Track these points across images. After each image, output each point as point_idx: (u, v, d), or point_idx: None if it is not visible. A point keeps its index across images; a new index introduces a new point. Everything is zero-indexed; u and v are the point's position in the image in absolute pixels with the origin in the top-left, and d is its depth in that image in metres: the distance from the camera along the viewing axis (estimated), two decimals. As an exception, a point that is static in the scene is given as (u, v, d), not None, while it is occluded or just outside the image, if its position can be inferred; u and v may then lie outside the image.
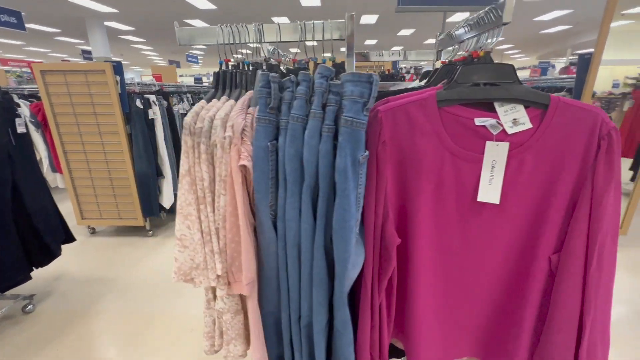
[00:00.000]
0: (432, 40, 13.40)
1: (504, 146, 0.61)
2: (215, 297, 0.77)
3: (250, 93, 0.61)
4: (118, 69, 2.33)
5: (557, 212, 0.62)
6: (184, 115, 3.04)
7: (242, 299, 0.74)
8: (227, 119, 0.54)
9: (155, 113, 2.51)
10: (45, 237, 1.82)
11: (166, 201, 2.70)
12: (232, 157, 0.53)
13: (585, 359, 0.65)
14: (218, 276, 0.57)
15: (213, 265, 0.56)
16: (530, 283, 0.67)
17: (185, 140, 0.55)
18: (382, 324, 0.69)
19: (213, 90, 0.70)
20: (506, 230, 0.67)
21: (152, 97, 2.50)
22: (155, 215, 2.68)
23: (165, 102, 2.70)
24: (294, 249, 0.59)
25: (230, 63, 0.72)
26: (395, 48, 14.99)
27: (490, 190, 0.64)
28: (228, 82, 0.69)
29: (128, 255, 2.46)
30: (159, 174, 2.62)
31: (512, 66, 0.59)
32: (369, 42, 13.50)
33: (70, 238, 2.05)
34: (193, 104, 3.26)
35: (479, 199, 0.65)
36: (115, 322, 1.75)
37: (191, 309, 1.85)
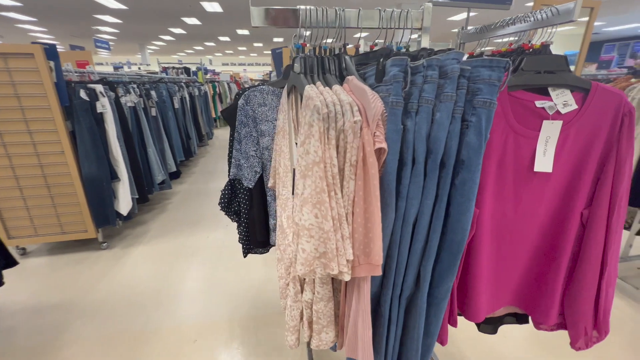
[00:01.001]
0: (365, 33, 14.04)
1: (558, 124, 0.74)
2: (302, 289, 0.76)
3: (352, 78, 0.61)
4: (51, 52, 1.93)
5: (589, 174, 0.78)
6: (134, 108, 2.68)
7: (334, 286, 0.74)
8: (353, 103, 0.54)
9: (104, 106, 2.16)
10: (-20, 264, 1.46)
11: (123, 207, 2.37)
12: (366, 141, 0.53)
13: (604, 297, 0.84)
14: (347, 261, 0.57)
15: (343, 252, 0.56)
16: (566, 235, 0.83)
17: (319, 127, 0.53)
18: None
19: (298, 74, 0.66)
20: (550, 193, 0.81)
21: (99, 88, 2.14)
22: (112, 224, 2.33)
23: (112, 94, 2.33)
24: (410, 226, 0.62)
25: (306, 47, 0.70)
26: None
27: (544, 162, 0.76)
28: (316, 68, 0.67)
29: (82, 274, 2.11)
30: (113, 176, 2.28)
31: (565, 57, 0.71)
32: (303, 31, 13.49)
33: (10, 262, 1.67)
34: (142, 96, 2.88)
35: (535, 169, 0.77)
36: (100, 348, 1.51)
37: (187, 319, 1.70)
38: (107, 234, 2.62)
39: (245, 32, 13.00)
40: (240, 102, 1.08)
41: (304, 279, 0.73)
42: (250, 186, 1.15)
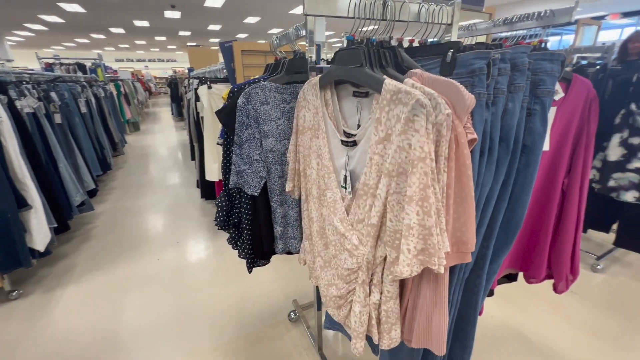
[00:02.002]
0: (276, 30, 13.92)
1: (553, 109, 0.88)
2: (370, 291, 0.72)
3: (421, 72, 0.60)
4: None
5: (568, 150, 0.96)
6: (35, 114, 2.11)
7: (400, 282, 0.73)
8: (441, 96, 0.53)
9: (-3, 114, 1.64)
10: None
11: (39, 241, 1.86)
12: (459, 133, 0.53)
13: (578, 245, 1.05)
14: (445, 253, 0.57)
15: (442, 245, 0.56)
16: (553, 201, 1.00)
17: (425, 121, 0.51)
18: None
19: (356, 67, 0.60)
20: (542, 167, 0.96)
21: (-13, 90, 1.60)
22: (25, 265, 1.81)
23: (3, 97, 1.78)
24: (479, 210, 0.66)
25: (356, 39, 0.65)
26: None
27: (545, 142, 0.90)
28: (374, 61, 0.63)
29: (-9, 338, 1.59)
30: (22, 204, 1.77)
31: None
32: (212, 27, 12.63)
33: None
34: (41, 99, 2.27)
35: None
36: None
37: (174, 356, 1.46)
38: (15, 279, 2.02)
39: (145, 23, 11.49)
40: (241, 100, 0.96)
41: (372, 281, 0.70)
42: (256, 194, 1.04)
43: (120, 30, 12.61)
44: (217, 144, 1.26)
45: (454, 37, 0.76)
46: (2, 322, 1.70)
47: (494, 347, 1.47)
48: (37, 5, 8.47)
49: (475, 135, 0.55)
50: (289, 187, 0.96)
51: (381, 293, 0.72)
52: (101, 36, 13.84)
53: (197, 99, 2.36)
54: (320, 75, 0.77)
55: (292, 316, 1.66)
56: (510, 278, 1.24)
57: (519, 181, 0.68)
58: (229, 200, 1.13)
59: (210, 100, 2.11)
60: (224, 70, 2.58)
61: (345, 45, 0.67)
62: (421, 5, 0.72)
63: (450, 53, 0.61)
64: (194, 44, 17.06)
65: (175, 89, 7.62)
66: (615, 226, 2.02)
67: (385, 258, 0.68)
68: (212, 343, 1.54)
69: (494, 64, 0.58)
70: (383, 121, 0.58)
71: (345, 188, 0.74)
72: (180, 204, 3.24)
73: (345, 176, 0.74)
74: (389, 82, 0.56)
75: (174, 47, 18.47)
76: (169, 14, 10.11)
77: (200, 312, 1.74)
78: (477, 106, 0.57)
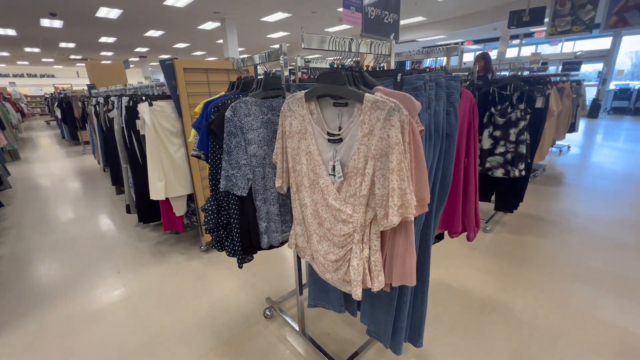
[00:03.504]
0: (182, 44, 13.29)
1: (454, 111, 1.30)
2: (362, 247, 0.96)
3: (382, 88, 0.89)
4: None
5: (464, 137, 1.40)
6: None
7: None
8: (399, 103, 0.83)
9: None
10: None
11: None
12: (414, 126, 0.83)
13: (478, 205, 1.51)
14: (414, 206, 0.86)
15: (412, 200, 0.84)
16: (460, 175, 1.43)
17: (398, 120, 0.78)
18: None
19: (340, 85, 0.85)
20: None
21: None
22: None
23: None
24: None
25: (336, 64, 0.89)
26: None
27: (451, 134, 1.31)
28: (350, 80, 0.88)
29: None
30: None
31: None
32: (105, 39, 11.35)
33: None
34: None
35: (448, 139, 1.31)
36: None
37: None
38: None
39: (10, 32, 9.60)
40: (228, 113, 1.12)
41: (362, 239, 0.95)
42: (244, 194, 1.19)
43: (-27, 39, 10.20)
44: (192, 155, 1.34)
45: (392, 63, 1.10)
46: None
47: (430, 296, 1.89)
48: None
49: (422, 127, 0.86)
50: (278, 183, 1.14)
51: (370, 248, 0.97)
52: (-59, 45, 10.91)
53: (132, 117, 2.26)
54: (305, 91, 1.00)
55: (268, 313, 1.78)
56: (439, 237, 1.66)
57: (446, 157, 1.03)
58: (217, 204, 1.23)
59: (152, 117, 2.07)
60: (157, 87, 2.53)
61: (325, 69, 0.92)
62: (371, 42, 1.02)
63: (399, 75, 0.92)
64: (79, 57, 14.86)
65: (68, 108, 6.58)
66: (493, 197, 2.76)
67: (371, 220, 0.94)
68: (194, 356, 1.54)
69: (427, 82, 0.91)
70: (367, 121, 0.85)
71: (334, 175, 0.99)
72: (110, 234, 2.92)
73: (334, 165, 0.98)
74: (368, 95, 0.84)
75: (51, 60, 15.70)
76: (47, 22, 8.72)
77: (170, 332, 1.70)
78: (422, 110, 0.89)
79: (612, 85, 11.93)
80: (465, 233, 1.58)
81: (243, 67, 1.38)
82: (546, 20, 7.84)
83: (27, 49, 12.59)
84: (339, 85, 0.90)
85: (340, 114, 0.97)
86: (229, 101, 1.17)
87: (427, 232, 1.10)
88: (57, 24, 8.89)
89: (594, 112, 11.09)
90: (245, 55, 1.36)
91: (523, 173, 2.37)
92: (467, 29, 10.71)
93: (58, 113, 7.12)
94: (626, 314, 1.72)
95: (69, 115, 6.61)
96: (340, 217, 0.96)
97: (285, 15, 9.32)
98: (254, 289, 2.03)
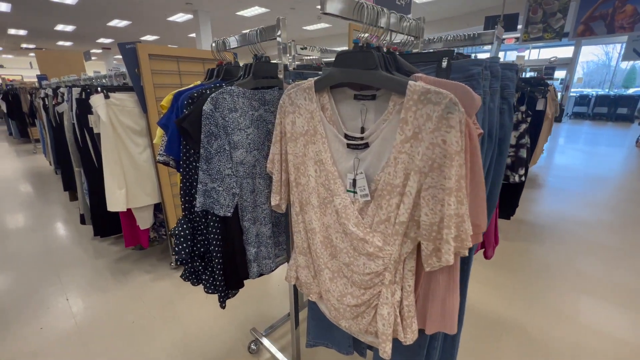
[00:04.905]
0: (151, 37, 12.47)
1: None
2: (392, 290, 0.72)
3: (424, 75, 0.65)
4: None
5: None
6: None
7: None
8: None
9: None
10: None
11: None
12: (472, 129, 0.60)
13: (497, 221, 1.32)
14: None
15: (470, 229, 0.61)
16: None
17: (459, 118, 0.54)
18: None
19: (372, 70, 0.60)
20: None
21: None
22: None
23: None
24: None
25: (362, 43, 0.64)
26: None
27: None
28: (385, 65, 0.63)
29: None
30: None
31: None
32: (62, 27, 10.36)
33: None
34: None
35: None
36: None
37: None
38: None
39: (-52, 14, 8.47)
40: (207, 107, 0.83)
41: (396, 280, 0.71)
42: (229, 214, 0.91)
43: None
44: (158, 161, 1.03)
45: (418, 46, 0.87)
46: None
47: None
48: None
49: (481, 130, 0.64)
50: (275, 200, 0.87)
51: (402, 289, 0.73)
52: None
53: (85, 111, 1.88)
54: (315, 78, 0.74)
55: (253, 347, 1.49)
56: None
57: (496, 169, 0.82)
58: (192, 227, 0.94)
59: (109, 112, 1.71)
60: (116, 78, 2.14)
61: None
62: (401, 16, 0.79)
63: (445, 59, 0.69)
64: (33, 46, 13.52)
65: (15, 102, 5.82)
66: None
67: (406, 255, 0.70)
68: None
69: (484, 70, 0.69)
70: (410, 120, 0.61)
71: (355, 192, 0.73)
72: (60, 249, 2.48)
73: (354, 179, 0.73)
74: (414, 84, 0.59)
75: (0, 48, 14.16)
76: (-8, 4, 7.74)
77: (131, 378, 1.37)
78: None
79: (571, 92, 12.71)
80: (482, 250, 1.39)
81: (225, 50, 1.09)
82: (519, 27, 8.10)
83: (-32, 35, 11.21)
84: (369, 70, 0.65)
85: (365, 110, 0.72)
86: (208, 91, 0.88)
87: (468, 263, 0.88)
88: (4, 6, 7.91)
89: (558, 116, 11.72)
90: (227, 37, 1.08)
91: (523, 179, 2.25)
92: (443, 33, 10.90)
93: (3, 107, 6.29)
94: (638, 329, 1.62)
95: (17, 110, 5.84)
96: (365, 250, 0.71)
97: (263, 10, 8.94)
98: (235, 316, 1.73)
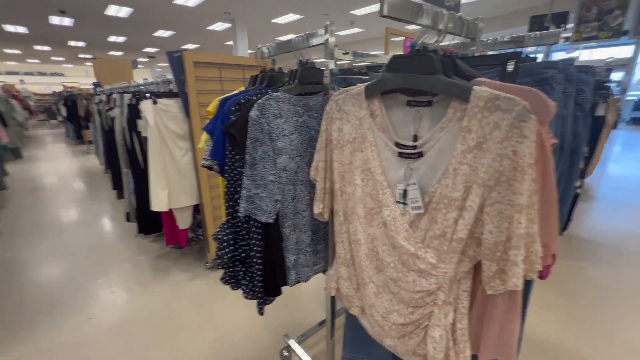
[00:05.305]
0: (191, 45, 13.18)
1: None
2: (445, 311, 0.66)
3: (487, 80, 0.60)
4: None
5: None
6: None
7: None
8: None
9: None
10: None
11: None
12: (545, 139, 0.54)
13: None
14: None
15: (540, 250, 0.55)
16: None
17: (534, 128, 0.49)
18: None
19: (430, 75, 0.56)
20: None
21: None
22: None
23: None
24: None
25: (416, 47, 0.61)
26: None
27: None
28: (443, 69, 0.60)
29: None
30: None
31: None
32: (114, 38, 11.25)
33: None
34: None
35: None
36: None
37: None
38: None
39: (22, 29, 9.53)
40: (254, 113, 0.83)
41: (450, 300, 0.65)
42: (271, 220, 0.90)
43: (-18, 36, 10.15)
44: (203, 166, 1.06)
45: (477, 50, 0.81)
46: None
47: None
48: None
49: (555, 140, 0.57)
50: (318, 208, 0.85)
51: (456, 311, 0.67)
52: (-49, 41, 10.87)
53: (134, 116, 2.00)
54: (366, 84, 0.71)
55: (285, 353, 1.48)
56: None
57: (566, 181, 0.74)
58: (234, 232, 0.95)
59: (156, 117, 1.81)
60: (162, 84, 2.27)
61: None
62: (459, 16, 0.74)
63: (512, 62, 0.64)
64: (89, 56, 14.84)
65: (73, 106, 6.40)
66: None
67: (462, 274, 0.64)
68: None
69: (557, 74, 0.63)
70: (474, 129, 0.56)
71: (405, 204, 0.69)
72: (107, 244, 2.65)
73: (405, 190, 0.69)
74: (479, 89, 0.55)
75: (62, 58, 15.71)
76: (57, 20, 8.61)
77: (169, 375, 1.41)
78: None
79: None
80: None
81: (269, 56, 1.10)
82: (570, 25, 7.52)
83: (37, 47, 12.56)
84: (427, 75, 0.61)
85: (418, 117, 0.68)
86: (254, 97, 0.89)
87: (529, 285, 0.79)
88: (67, 21, 8.77)
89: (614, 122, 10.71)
90: (270, 44, 1.08)
91: (579, 191, 2.05)
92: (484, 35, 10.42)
93: (63, 111, 6.94)
94: None
95: (74, 114, 6.42)
96: (416, 266, 0.67)
97: (297, 17, 9.11)
98: (268, 320, 1.73)
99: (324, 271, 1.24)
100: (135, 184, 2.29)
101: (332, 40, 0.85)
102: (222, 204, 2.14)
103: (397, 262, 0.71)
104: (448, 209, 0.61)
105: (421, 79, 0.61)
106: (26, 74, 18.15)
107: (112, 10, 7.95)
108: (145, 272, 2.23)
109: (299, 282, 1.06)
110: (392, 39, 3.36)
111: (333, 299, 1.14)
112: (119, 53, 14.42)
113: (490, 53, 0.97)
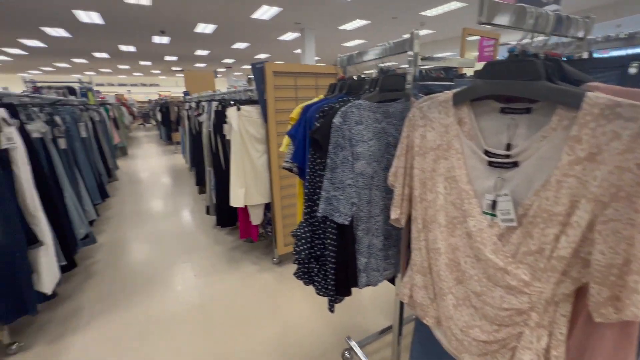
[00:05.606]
0: (262, 55, 14.19)
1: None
2: (538, 334, 0.62)
3: (602, 85, 0.55)
4: None
5: None
6: (42, 140, 1.92)
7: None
8: None
9: (11, 139, 1.46)
10: None
11: (47, 283, 1.62)
12: None
13: None
14: None
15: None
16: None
17: None
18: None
19: (531, 80, 0.54)
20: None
21: (2, 113, 1.43)
22: (30, 312, 1.56)
23: (15, 121, 1.60)
24: None
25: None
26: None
27: None
28: (546, 74, 0.57)
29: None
30: (33, 240, 1.55)
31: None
32: (200, 52, 12.70)
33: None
34: (49, 123, 2.08)
35: None
36: None
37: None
38: (14, 328, 1.74)
39: (131, 48, 11.39)
40: (337, 120, 0.88)
41: (544, 323, 0.61)
42: (347, 222, 0.94)
43: (104, 55, 12.42)
44: (283, 167, 1.15)
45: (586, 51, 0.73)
46: (2, 384, 1.43)
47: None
48: (18, 29, 8.20)
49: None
50: (395, 214, 0.86)
51: (550, 336, 0.62)
52: (83, 61, 13.53)
53: (220, 121, 2.25)
54: (454, 91, 0.70)
55: (347, 356, 1.50)
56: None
57: None
58: (311, 230, 1.01)
59: (240, 122, 2.01)
60: (244, 92, 2.50)
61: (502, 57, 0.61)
62: (567, 16, 0.68)
63: (635, 64, 0.57)
64: (179, 68, 17.03)
65: (167, 112, 7.43)
66: None
67: (562, 297, 0.59)
68: (261, 394, 1.35)
69: None
70: (585, 139, 0.51)
71: (494, 216, 0.66)
72: (189, 233, 3.02)
73: (495, 201, 0.66)
74: (594, 95, 0.50)
75: (158, 71, 18.34)
76: (158, 39, 10.08)
77: (239, 356, 1.54)
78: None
79: None
80: None
81: (349, 64, 1.15)
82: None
83: (141, 62, 14.89)
84: (529, 81, 0.58)
85: (514, 124, 0.64)
86: (337, 105, 0.94)
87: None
88: (165, 40, 10.24)
89: None
90: (350, 53, 1.13)
91: None
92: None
93: (159, 116, 8.11)
94: None
95: (166, 119, 7.44)
96: (505, 282, 0.63)
97: (364, 22, 9.15)
98: (331, 320, 1.78)
99: (391, 279, 1.24)
100: (216, 182, 2.56)
101: (416, 48, 0.85)
102: (294, 203, 2.26)
103: (481, 275, 0.68)
104: (547, 223, 0.57)
105: (520, 86, 0.59)
106: (132, 85, 21.63)
107: (200, 28, 9.03)
108: (221, 261, 2.48)
109: (368, 285, 1.07)
110: (467, 38, 3.16)
111: (402, 306, 1.13)
112: (203, 65, 16.25)
113: (597, 54, 0.87)
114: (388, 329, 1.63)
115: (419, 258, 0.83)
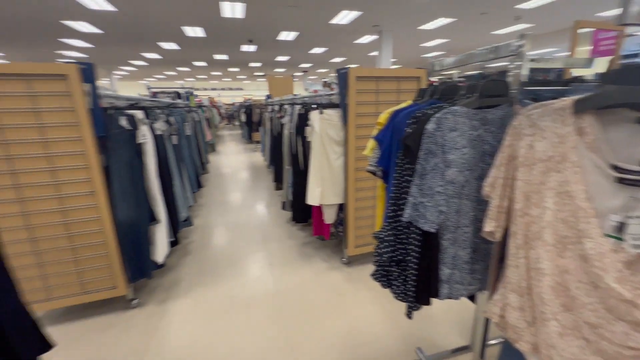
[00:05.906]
0: (338, 59, 14.48)
1: None
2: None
3: None
4: (88, 73, 1.59)
5: None
6: (162, 136, 2.33)
7: None
8: None
9: (145, 135, 1.81)
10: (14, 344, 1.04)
11: (160, 253, 1.97)
12: None
13: None
14: None
15: None
16: None
17: None
18: None
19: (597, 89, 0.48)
20: None
21: (140, 114, 1.80)
22: (147, 276, 1.92)
23: (149, 121, 1.99)
24: None
25: None
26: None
27: None
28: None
29: (120, 343, 1.66)
30: (152, 218, 1.90)
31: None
32: (280, 58, 13.60)
33: (46, 345, 1.23)
34: (168, 123, 2.53)
35: None
36: None
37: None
38: (135, 287, 2.16)
39: (224, 57, 12.83)
40: (430, 126, 0.87)
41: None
42: (433, 230, 0.92)
43: (202, 64, 14.26)
44: (367, 170, 1.19)
45: None
46: (127, 327, 1.78)
47: None
48: (141, 45, 10.00)
49: None
50: (490, 226, 0.82)
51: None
52: (186, 69, 15.76)
53: (302, 123, 2.40)
54: (576, 98, 0.64)
55: (417, 367, 1.46)
56: None
57: None
58: (394, 234, 1.02)
59: (321, 125, 2.11)
60: (325, 97, 2.62)
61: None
62: None
63: None
64: (261, 73, 18.52)
65: (250, 114, 8.19)
66: None
67: None
68: (329, 386, 1.40)
69: None
70: None
71: (620, 239, 0.58)
72: (266, 225, 3.29)
73: (622, 223, 0.58)
74: None
75: (244, 76, 20.27)
76: (246, 47, 11.14)
77: (307, 348, 1.63)
78: None
79: None
80: None
81: (443, 69, 1.12)
82: None
83: (230, 69, 16.68)
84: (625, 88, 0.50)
85: (656, 137, 0.56)
86: (430, 111, 0.93)
87: None
88: (252, 48, 11.29)
89: None
90: (447, 58, 1.10)
91: None
92: None
93: (243, 117, 8.98)
94: None
95: (249, 120, 8.19)
96: (631, 316, 0.55)
97: (448, 20, 8.61)
98: (400, 327, 1.75)
99: (470, 297, 1.16)
100: (293, 181, 2.74)
101: (527, 50, 0.79)
102: (366, 206, 2.28)
103: (598, 305, 0.61)
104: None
105: (619, 94, 0.51)
106: (222, 89, 24.39)
107: (283, 36, 9.69)
108: (293, 254, 2.64)
109: (449, 297, 1.04)
110: (578, 30, 2.73)
111: (486, 326, 1.06)
112: (282, 70, 17.40)
113: None
114: (463, 349, 1.53)
115: (516, 276, 0.77)
